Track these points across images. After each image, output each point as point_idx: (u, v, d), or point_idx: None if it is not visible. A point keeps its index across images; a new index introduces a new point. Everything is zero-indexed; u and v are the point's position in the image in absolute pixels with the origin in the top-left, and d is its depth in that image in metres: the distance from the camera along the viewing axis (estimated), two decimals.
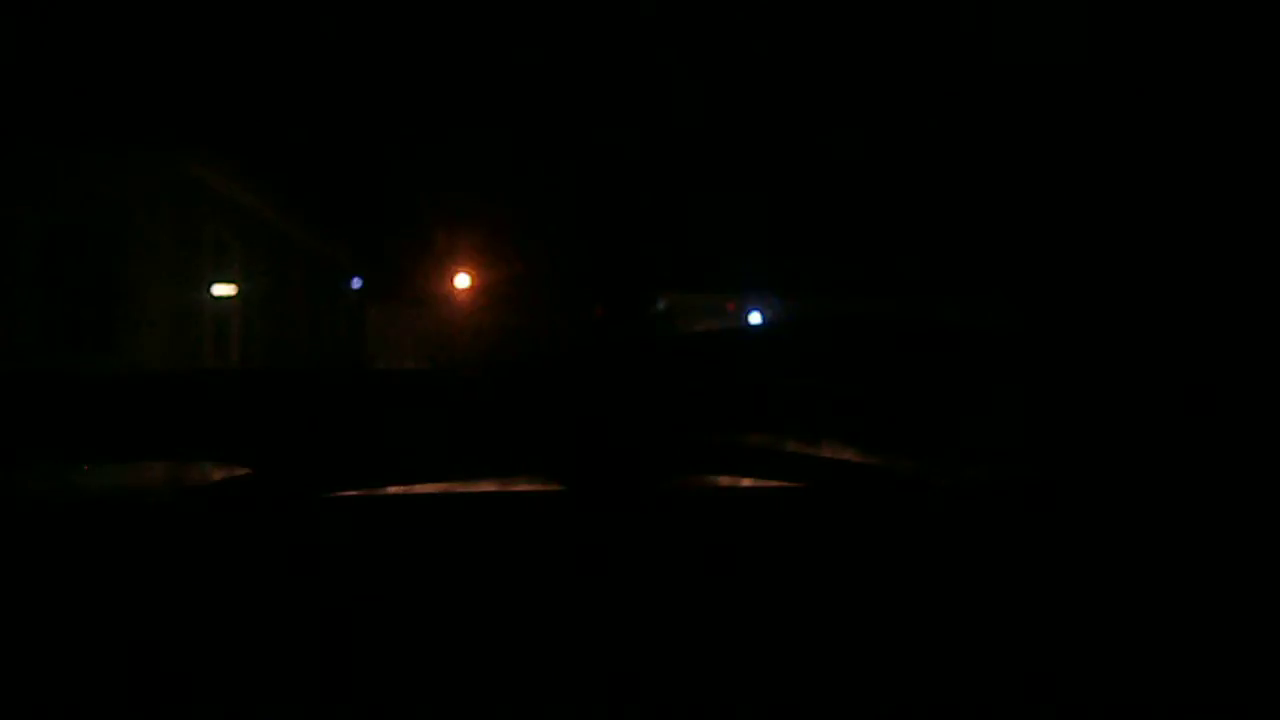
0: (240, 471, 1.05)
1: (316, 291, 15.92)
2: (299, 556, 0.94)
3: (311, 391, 1.15)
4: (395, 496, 1.06)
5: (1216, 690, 0.83)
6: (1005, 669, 0.85)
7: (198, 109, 11.29)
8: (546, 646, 0.84)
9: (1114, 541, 0.99)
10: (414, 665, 0.82)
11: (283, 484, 1.03)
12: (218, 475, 1.06)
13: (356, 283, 17.89)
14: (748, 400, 1.16)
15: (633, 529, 1.00)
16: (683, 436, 1.13)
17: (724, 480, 1.18)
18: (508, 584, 0.91)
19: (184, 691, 0.80)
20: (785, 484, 1.11)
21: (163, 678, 0.81)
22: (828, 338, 1.22)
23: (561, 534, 0.99)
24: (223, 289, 12.42)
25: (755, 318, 16.51)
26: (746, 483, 1.15)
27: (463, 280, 18.37)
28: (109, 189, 10.96)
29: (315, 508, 1.03)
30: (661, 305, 18.07)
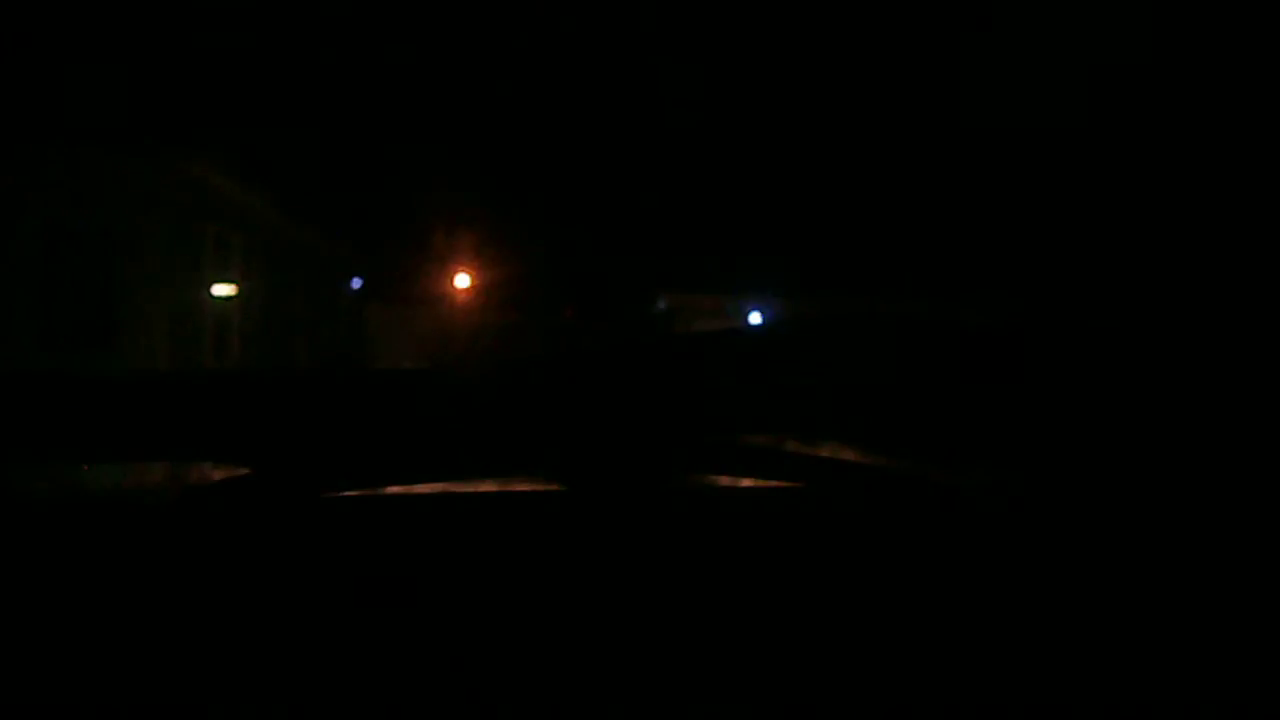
0: (240, 471, 1.04)
1: (316, 291, 15.92)
2: (299, 556, 0.94)
3: (312, 391, 1.14)
4: (395, 496, 1.06)
5: (1219, 694, 0.83)
6: (1005, 671, 0.85)
7: (198, 110, 11.30)
8: (546, 646, 0.84)
9: (1115, 544, 0.99)
10: (414, 665, 0.82)
11: (283, 484, 1.03)
12: (218, 475, 1.06)
13: (356, 283, 17.89)
14: (748, 400, 1.16)
15: (633, 529, 1.00)
16: (683, 436, 1.13)
17: (724, 480, 1.18)
18: (508, 584, 0.91)
19: (184, 692, 0.80)
20: (785, 484, 1.11)
21: (163, 678, 0.81)
22: (828, 338, 1.22)
23: (561, 534, 0.99)
24: (223, 289, 12.43)
25: (755, 318, 16.50)
26: (746, 483, 1.15)
27: (463, 280, 18.38)
28: (109, 189, 10.95)
29: (315, 508, 1.03)
30: (662, 305, 18.06)
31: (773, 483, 1.12)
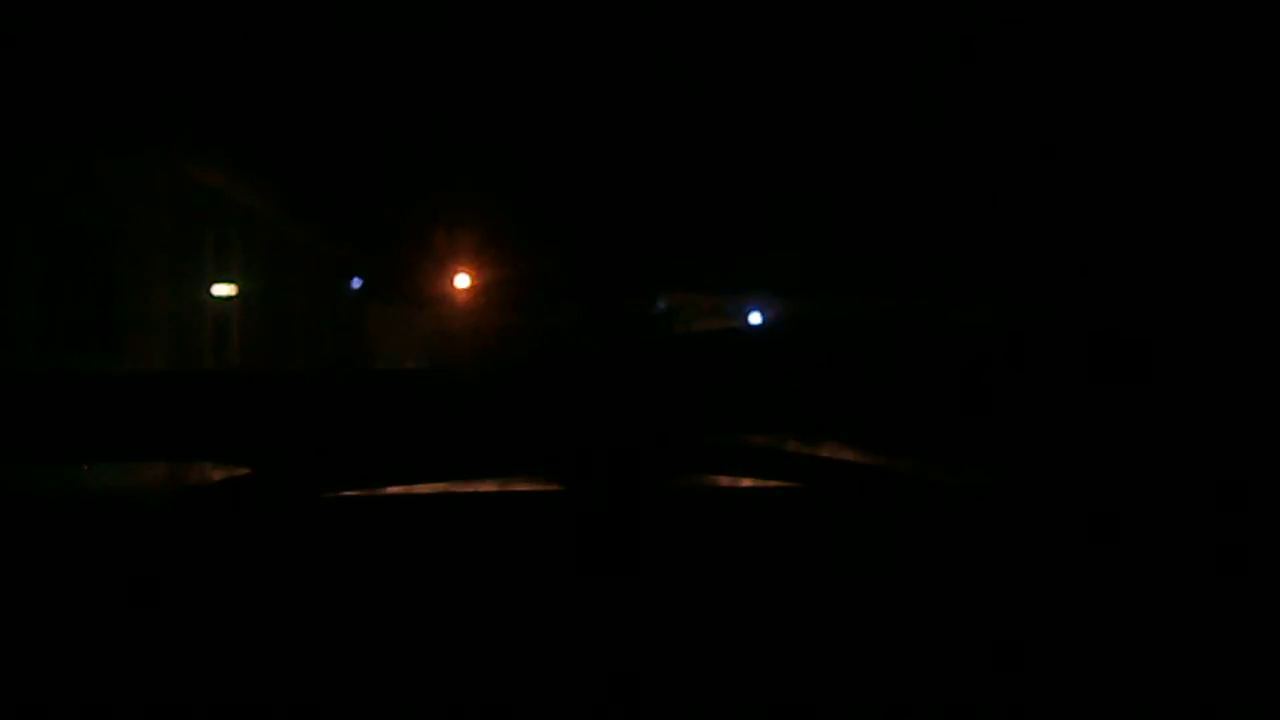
0: (240, 471, 1.04)
1: (316, 291, 15.92)
2: (299, 556, 0.94)
3: (311, 391, 1.14)
4: (395, 496, 1.06)
5: (1218, 691, 0.83)
6: (1003, 667, 0.85)
7: (198, 109, 11.29)
8: (546, 644, 0.84)
9: (1113, 542, 0.99)
10: (414, 663, 0.82)
11: (283, 484, 1.03)
12: (218, 475, 1.06)
13: (356, 283, 17.89)
14: (748, 400, 1.16)
15: (633, 529, 1.00)
16: (683, 436, 1.13)
17: (724, 480, 1.18)
18: (507, 583, 0.91)
19: (185, 689, 0.80)
20: (785, 484, 1.11)
21: (163, 676, 0.81)
22: (828, 338, 1.22)
23: (561, 534, 0.99)
24: (223, 289, 12.43)
25: (755, 318, 16.48)
26: (746, 483, 1.15)
27: (463, 280, 18.35)
28: (109, 189, 10.95)
29: (315, 508, 1.03)
30: (662, 305, 18.04)
31: (773, 483, 1.12)
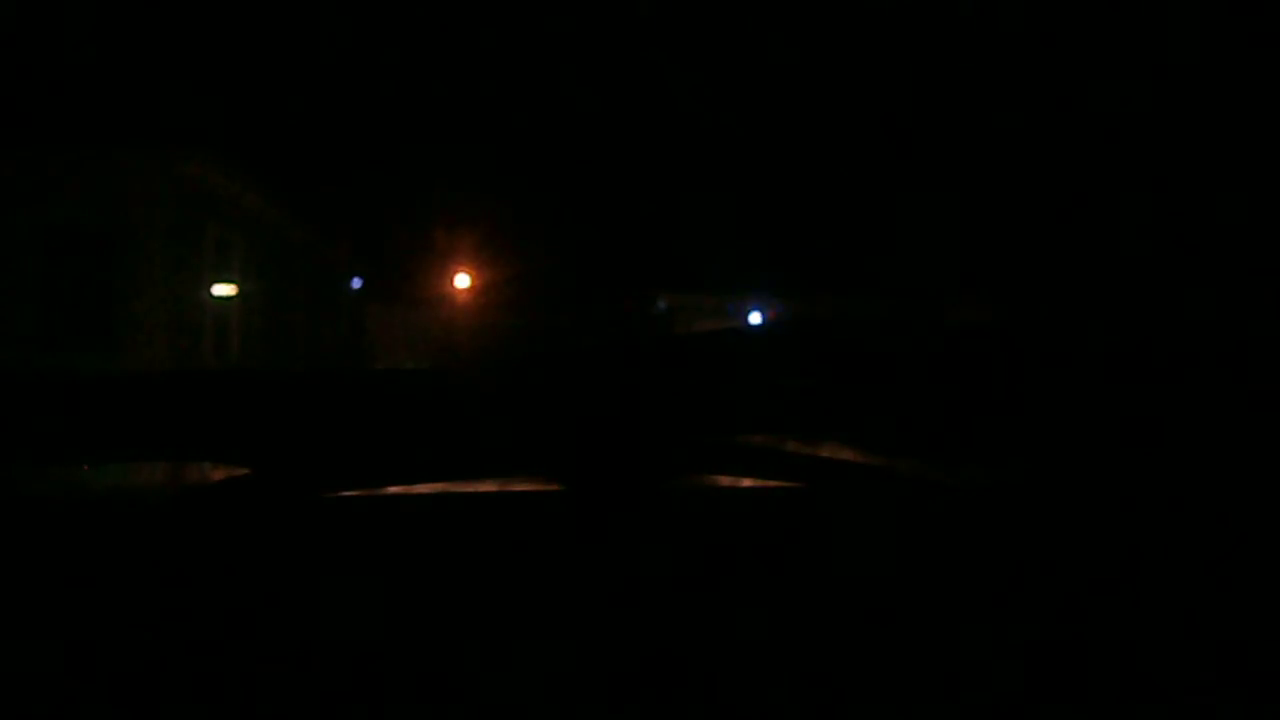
0: (240, 471, 1.04)
1: (316, 291, 15.94)
2: (299, 556, 0.94)
3: (311, 391, 1.14)
4: (395, 496, 1.06)
5: (1219, 691, 0.84)
6: (1005, 670, 0.85)
7: (198, 109, 11.30)
8: (547, 646, 0.85)
9: (1114, 542, 0.99)
10: (414, 665, 0.82)
11: (283, 484, 1.03)
12: (218, 475, 1.06)
13: (356, 283, 17.93)
14: (748, 400, 1.16)
15: (633, 529, 1.00)
16: (683, 436, 1.13)
17: (724, 480, 1.18)
18: (508, 584, 0.91)
19: (184, 692, 0.80)
20: (785, 484, 1.11)
21: (163, 678, 0.81)
22: (828, 338, 1.22)
23: (561, 534, 0.99)
24: (223, 289, 12.45)
25: (755, 318, 16.50)
26: (746, 483, 1.15)
27: (463, 280, 18.38)
28: (108, 189, 10.97)
29: (315, 508, 1.03)
30: (662, 305, 18.07)
31: (773, 483, 1.12)
